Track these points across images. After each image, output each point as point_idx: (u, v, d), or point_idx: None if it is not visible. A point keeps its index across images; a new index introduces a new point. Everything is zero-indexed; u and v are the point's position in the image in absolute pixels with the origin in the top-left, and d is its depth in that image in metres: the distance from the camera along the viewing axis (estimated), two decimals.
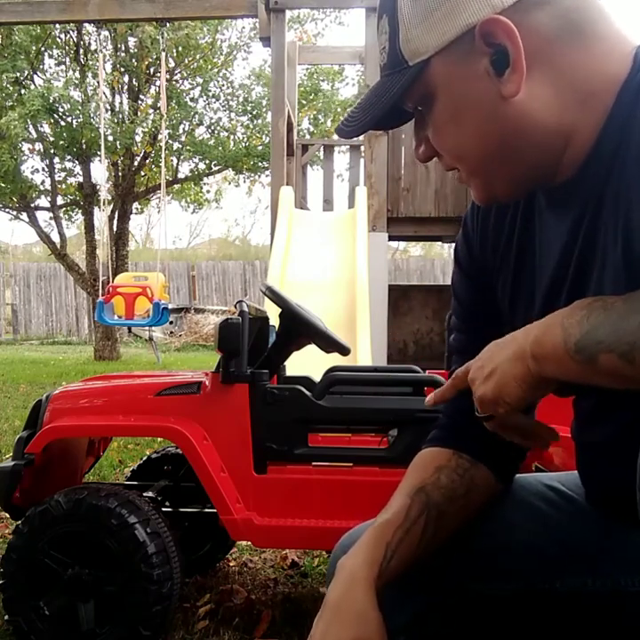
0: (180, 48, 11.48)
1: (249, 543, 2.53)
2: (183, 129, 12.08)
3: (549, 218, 0.87)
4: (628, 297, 0.70)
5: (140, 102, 12.03)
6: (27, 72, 10.85)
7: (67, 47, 11.73)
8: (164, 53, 7.11)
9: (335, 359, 2.20)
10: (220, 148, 11.95)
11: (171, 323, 14.20)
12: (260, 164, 12.25)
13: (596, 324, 0.70)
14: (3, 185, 10.99)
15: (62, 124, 10.79)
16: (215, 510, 1.90)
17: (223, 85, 12.41)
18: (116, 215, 11.95)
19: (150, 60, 11.53)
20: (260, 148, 12.02)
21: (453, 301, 1.09)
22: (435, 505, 0.93)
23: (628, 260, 0.72)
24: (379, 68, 0.86)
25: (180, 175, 13.02)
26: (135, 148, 11.71)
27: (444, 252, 27.00)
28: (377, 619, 0.84)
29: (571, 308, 0.74)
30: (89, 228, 11.86)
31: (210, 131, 12.50)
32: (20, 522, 1.90)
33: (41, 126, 11.05)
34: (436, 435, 1.03)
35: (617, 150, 0.74)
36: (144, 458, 2.56)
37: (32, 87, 10.65)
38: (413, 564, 0.92)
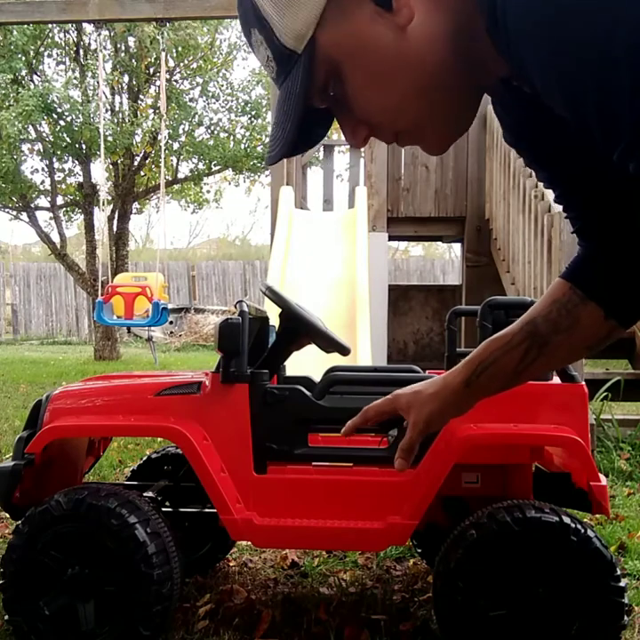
0: (180, 48, 11.48)
1: (249, 543, 2.53)
2: (183, 129, 12.08)
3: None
4: None
5: (139, 102, 12.03)
6: (25, 72, 10.84)
7: (66, 47, 11.73)
8: (163, 53, 7.10)
9: (335, 359, 2.20)
10: (220, 149, 11.94)
11: (171, 323, 14.20)
12: (259, 164, 12.25)
13: None
14: (3, 185, 10.98)
15: (62, 123, 10.78)
16: (215, 510, 1.90)
17: (223, 86, 12.42)
18: (116, 215, 11.95)
19: (150, 60, 11.53)
20: (260, 148, 12.02)
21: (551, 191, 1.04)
22: (540, 335, 1.02)
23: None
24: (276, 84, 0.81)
25: (180, 175, 13.02)
26: (135, 148, 11.71)
27: (444, 252, 26.99)
28: (426, 390, 1.13)
29: None
30: (89, 228, 11.85)
31: (209, 131, 12.50)
32: (20, 522, 1.90)
33: (40, 126, 11.05)
34: (566, 267, 1.06)
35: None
36: (144, 458, 2.56)
37: (32, 87, 10.64)
38: (504, 386, 1.08)
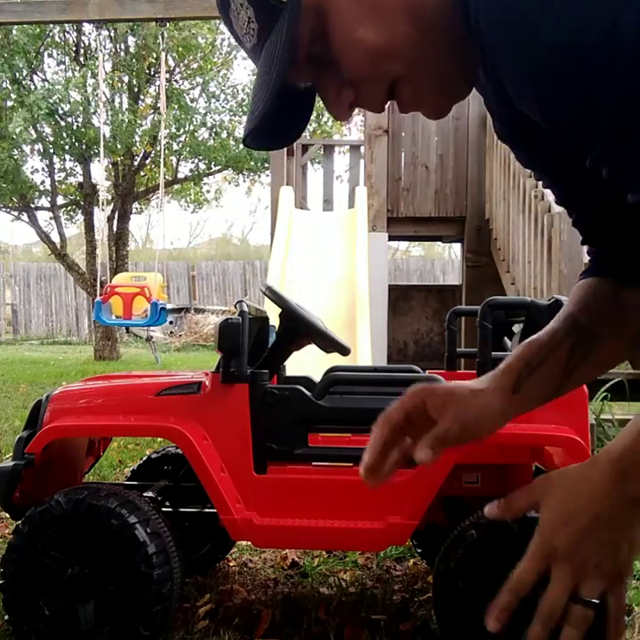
0: (181, 48, 11.47)
1: (249, 543, 2.53)
2: (183, 129, 12.07)
3: None
4: None
5: (140, 102, 12.02)
6: (25, 72, 10.84)
7: (66, 47, 11.73)
8: (164, 53, 7.10)
9: (335, 359, 2.20)
10: (220, 149, 11.94)
11: (171, 323, 14.21)
12: (260, 164, 12.25)
13: None
14: (3, 185, 10.98)
15: (63, 124, 10.78)
16: (215, 510, 1.90)
17: (224, 86, 12.41)
18: (116, 215, 11.94)
19: (151, 60, 11.53)
20: None
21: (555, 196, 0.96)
22: (583, 327, 0.92)
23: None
24: (253, 51, 0.78)
25: (180, 175, 13.02)
26: (135, 148, 11.71)
27: (444, 252, 27.00)
28: (458, 394, 0.90)
29: None
30: (89, 228, 11.85)
31: (210, 132, 12.49)
32: (20, 522, 1.90)
33: (41, 127, 11.05)
34: (584, 270, 0.98)
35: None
36: (144, 458, 2.56)
37: (33, 88, 10.63)
38: (553, 392, 0.93)
